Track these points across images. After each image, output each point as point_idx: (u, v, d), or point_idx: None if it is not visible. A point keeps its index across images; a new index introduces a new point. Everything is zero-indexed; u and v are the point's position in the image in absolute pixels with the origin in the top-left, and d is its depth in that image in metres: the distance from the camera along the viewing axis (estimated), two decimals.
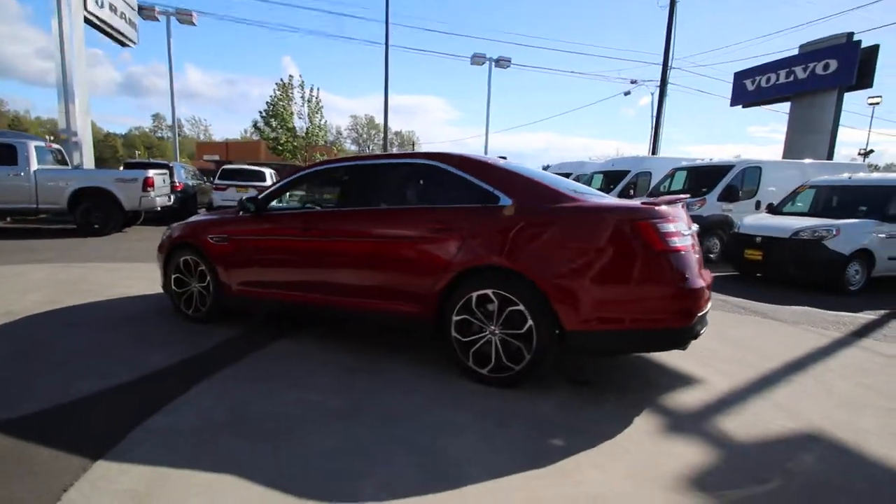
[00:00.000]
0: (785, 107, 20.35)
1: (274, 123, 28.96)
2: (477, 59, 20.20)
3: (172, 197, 11.27)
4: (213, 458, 2.02)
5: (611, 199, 3.00)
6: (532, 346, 2.68)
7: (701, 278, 2.67)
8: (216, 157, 39.83)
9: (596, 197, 2.96)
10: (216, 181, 12.36)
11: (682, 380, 3.10)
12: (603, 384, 2.97)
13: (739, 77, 21.77)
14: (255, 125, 32.96)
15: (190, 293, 4.00)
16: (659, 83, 22.64)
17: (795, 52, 19.56)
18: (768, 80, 20.50)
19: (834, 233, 6.33)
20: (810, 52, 18.94)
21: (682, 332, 2.55)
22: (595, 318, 2.55)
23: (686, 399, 2.81)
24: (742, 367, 3.38)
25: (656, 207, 2.58)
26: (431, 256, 2.93)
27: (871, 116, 47.42)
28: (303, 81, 29.19)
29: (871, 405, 2.84)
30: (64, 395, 2.57)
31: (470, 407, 2.58)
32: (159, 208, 10.72)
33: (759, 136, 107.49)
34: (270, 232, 3.59)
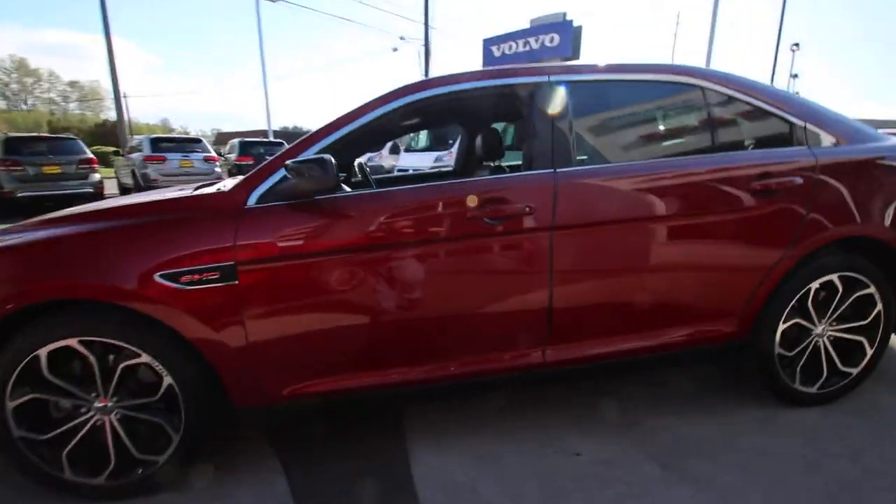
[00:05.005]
0: None
1: None
2: None
3: None
4: None
5: None
6: (875, 337, 1.97)
7: None
8: None
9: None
10: None
11: None
12: None
13: (488, 43, 24.32)
14: None
15: (88, 431, 1.50)
16: (423, 43, 23.42)
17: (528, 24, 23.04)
18: (510, 47, 23.60)
19: None
20: (540, 27, 22.63)
21: None
22: None
23: None
24: None
25: None
26: (761, 239, 1.78)
27: None
28: None
29: None
30: None
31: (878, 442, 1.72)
32: None
33: None
34: (391, 234, 1.55)
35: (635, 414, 2.01)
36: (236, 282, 1.46)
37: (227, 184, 1.79)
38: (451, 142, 9.95)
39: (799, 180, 1.77)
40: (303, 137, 1.62)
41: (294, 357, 1.57)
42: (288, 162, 1.46)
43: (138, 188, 10.06)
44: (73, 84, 62.22)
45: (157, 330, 1.46)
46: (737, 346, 1.88)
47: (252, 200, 1.53)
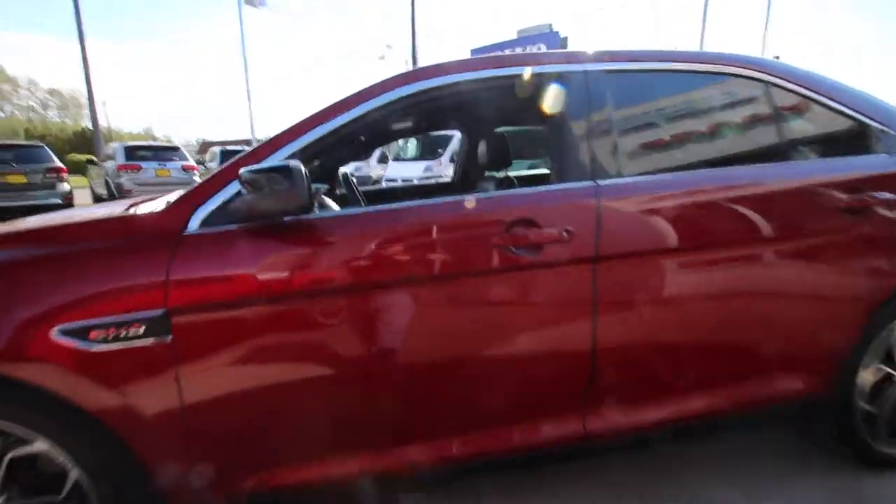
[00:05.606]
0: None
1: None
2: None
3: None
4: None
5: None
6: None
7: None
8: None
9: None
10: None
11: None
12: None
13: (476, 53, 24.36)
14: None
15: None
16: (411, 50, 23.29)
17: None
18: None
19: None
20: (526, 37, 22.72)
21: None
22: None
23: None
24: None
25: None
26: (850, 268, 1.43)
27: None
28: None
29: None
30: None
31: None
32: None
33: None
34: (386, 269, 1.15)
35: (687, 482, 1.63)
36: (169, 337, 1.05)
37: (171, 199, 1.38)
38: (440, 151, 9.53)
39: (890, 195, 1.43)
40: (266, 140, 1.23)
41: (255, 441, 1.16)
42: (242, 171, 1.07)
43: (112, 199, 9.52)
44: (52, 92, 61.01)
45: (58, 407, 1.05)
46: (815, 404, 1.52)
47: (194, 224, 1.13)
